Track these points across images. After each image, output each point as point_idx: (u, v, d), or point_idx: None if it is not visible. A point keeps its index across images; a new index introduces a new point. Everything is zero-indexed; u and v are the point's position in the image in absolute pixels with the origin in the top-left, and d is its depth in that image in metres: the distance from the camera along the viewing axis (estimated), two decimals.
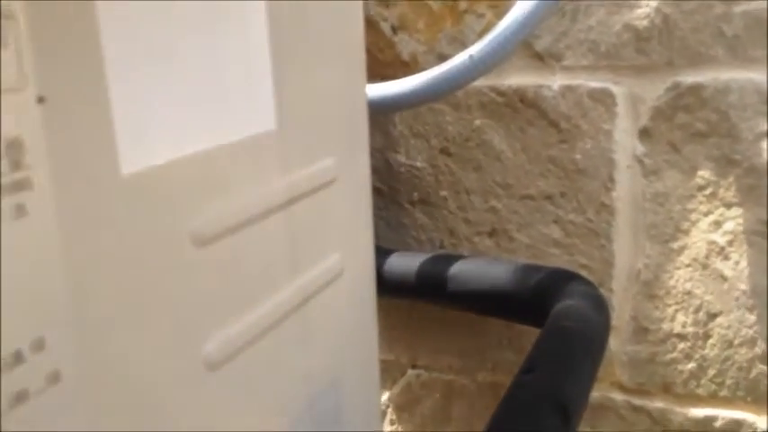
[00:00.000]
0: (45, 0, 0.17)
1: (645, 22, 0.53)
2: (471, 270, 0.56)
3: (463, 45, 0.59)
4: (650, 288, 0.57)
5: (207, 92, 0.24)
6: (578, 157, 0.57)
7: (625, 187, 0.56)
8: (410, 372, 0.68)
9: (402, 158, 0.63)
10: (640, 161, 0.55)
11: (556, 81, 0.57)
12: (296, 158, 0.29)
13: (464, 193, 0.61)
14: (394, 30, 0.61)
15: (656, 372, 0.58)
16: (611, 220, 0.57)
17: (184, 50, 0.23)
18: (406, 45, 0.60)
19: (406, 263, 0.59)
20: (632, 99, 0.55)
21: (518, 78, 0.58)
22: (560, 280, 0.53)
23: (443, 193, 0.62)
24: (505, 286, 0.54)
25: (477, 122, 0.59)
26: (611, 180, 0.56)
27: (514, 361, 0.63)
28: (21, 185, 0.16)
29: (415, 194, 0.63)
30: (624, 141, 0.56)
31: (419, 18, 0.60)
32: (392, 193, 0.64)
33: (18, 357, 0.17)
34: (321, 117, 0.31)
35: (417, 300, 0.62)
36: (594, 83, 0.56)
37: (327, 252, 0.33)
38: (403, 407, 0.69)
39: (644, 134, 0.55)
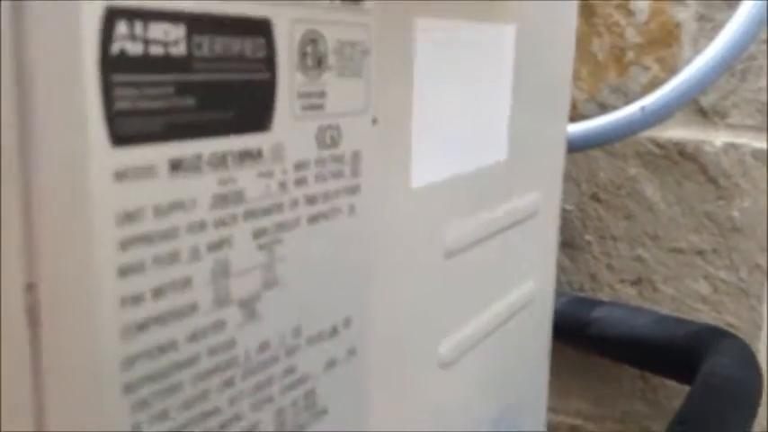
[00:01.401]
0: (384, 35, 0.21)
1: None
2: (615, 316, 0.57)
3: (625, 96, 0.60)
4: None
5: (469, 125, 0.27)
6: (735, 214, 0.57)
7: None
8: None
9: None
10: None
11: (719, 137, 0.57)
12: (516, 188, 0.32)
13: (610, 240, 0.62)
14: None
15: None
16: (763, 281, 0.57)
17: (461, 95, 0.26)
18: None
19: None
20: None
21: (679, 132, 0.59)
22: (712, 336, 0.53)
23: (588, 237, 0.63)
24: (651, 336, 0.54)
25: (632, 171, 0.60)
26: None
27: (646, 413, 0.62)
28: (354, 189, 0.20)
29: (560, 237, 0.64)
30: None
31: (583, 67, 0.62)
32: None
33: (334, 331, 0.20)
34: (533, 152, 0.34)
35: (554, 340, 0.62)
36: (759, 143, 0.56)
37: (525, 279, 0.35)
38: None
39: None
